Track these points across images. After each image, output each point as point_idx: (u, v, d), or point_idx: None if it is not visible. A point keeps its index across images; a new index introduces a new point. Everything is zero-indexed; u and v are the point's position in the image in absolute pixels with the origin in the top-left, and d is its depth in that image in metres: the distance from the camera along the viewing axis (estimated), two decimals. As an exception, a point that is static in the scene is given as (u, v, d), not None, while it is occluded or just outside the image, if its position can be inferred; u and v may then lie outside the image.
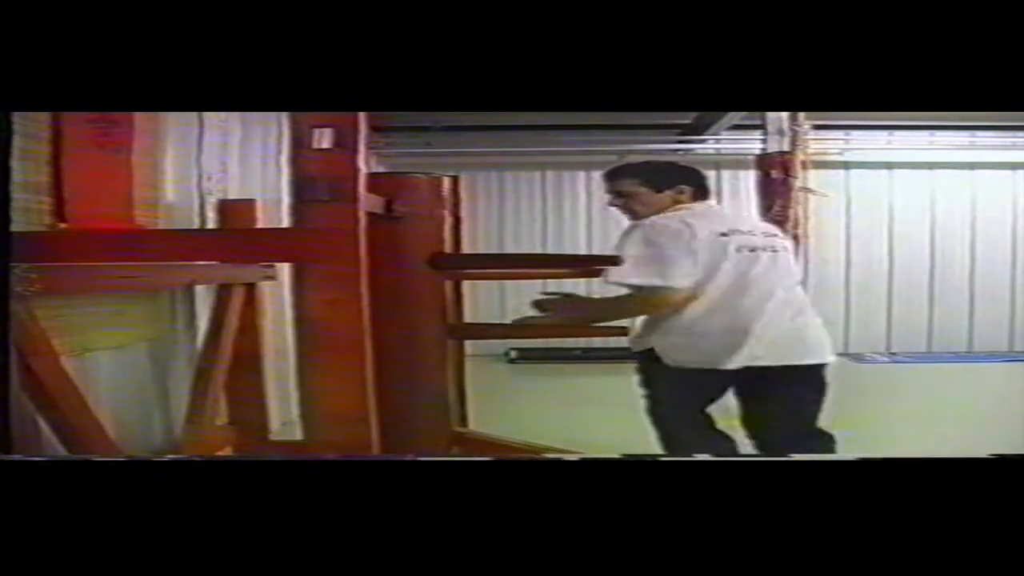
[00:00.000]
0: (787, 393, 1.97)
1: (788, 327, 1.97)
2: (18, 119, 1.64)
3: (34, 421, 1.46)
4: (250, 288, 2.50)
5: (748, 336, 1.92)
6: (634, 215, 2.11)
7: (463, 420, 2.59)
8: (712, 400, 2.06)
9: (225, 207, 2.65)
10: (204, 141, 2.79)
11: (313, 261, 1.35)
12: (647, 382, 2.11)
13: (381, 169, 5.47)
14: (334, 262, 1.33)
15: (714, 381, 1.99)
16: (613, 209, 2.21)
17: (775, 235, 2.14)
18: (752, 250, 1.99)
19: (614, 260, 2.08)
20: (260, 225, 2.54)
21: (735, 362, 1.92)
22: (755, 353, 1.92)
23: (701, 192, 2.15)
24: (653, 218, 2.04)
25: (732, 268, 1.95)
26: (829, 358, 2.02)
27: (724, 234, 1.98)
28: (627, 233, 2.01)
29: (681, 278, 1.92)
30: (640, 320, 2.09)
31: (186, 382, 2.38)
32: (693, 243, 1.93)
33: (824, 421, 2.00)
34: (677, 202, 2.09)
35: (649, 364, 2.06)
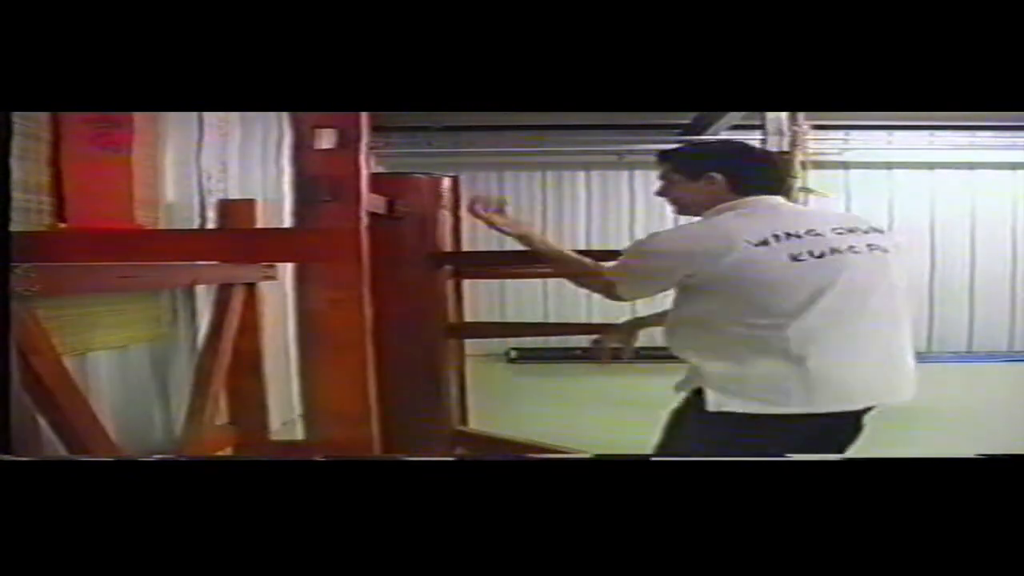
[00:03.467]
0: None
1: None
2: (18, 119, 1.65)
3: (34, 421, 1.46)
4: (250, 288, 2.50)
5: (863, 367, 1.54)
6: (680, 208, 1.76)
7: (463, 419, 2.59)
8: None
9: (225, 207, 2.65)
10: (204, 141, 2.79)
11: (315, 261, 1.36)
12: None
13: (381, 169, 5.48)
14: (336, 262, 1.34)
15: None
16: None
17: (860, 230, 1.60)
18: (825, 254, 1.53)
19: (614, 257, 2.08)
20: (260, 224, 2.54)
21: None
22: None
23: (744, 181, 1.64)
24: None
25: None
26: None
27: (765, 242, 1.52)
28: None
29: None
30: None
31: (186, 382, 2.38)
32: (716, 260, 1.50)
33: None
34: (713, 193, 1.65)
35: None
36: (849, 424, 1.59)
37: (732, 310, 1.51)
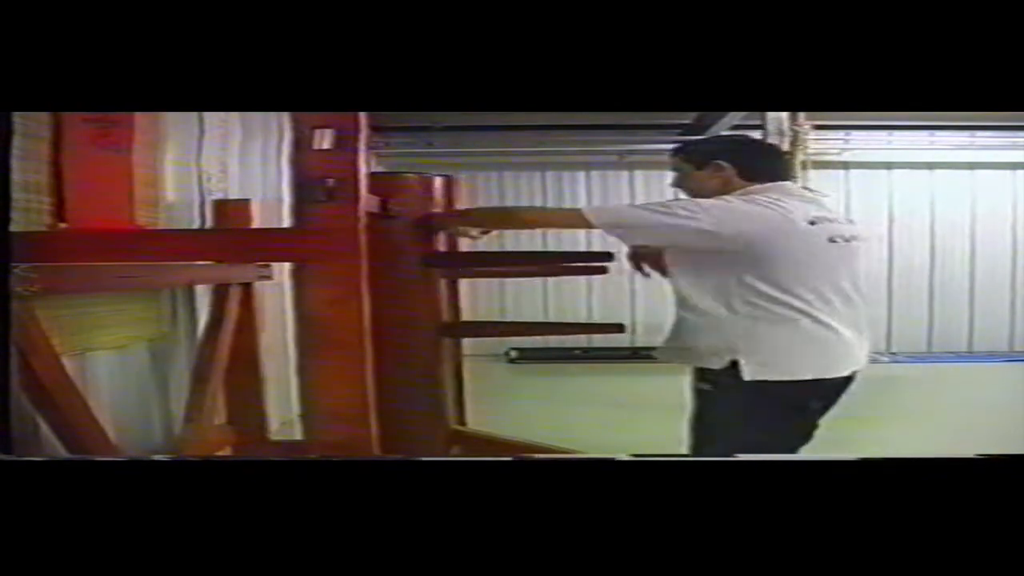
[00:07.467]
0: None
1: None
2: (18, 119, 1.65)
3: (34, 421, 1.46)
4: (247, 288, 2.50)
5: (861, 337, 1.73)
6: (690, 196, 1.79)
7: (461, 419, 2.59)
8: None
9: (220, 206, 2.64)
10: (204, 141, 2.79)
11: (314, 261, 1.36)
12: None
13: (381, 169, 5.48)
14: (335, 262, 1.34)
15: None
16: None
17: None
18: (848, 240, 1.71)
19: (608, 257, 2.10)
20: (255, 224, 2.53)
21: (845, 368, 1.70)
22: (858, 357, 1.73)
23: (752, 170, 1.74)
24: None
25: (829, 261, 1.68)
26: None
27: (812, 222, 1.66)
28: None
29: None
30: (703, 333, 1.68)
31: (185, 382, 2.38)
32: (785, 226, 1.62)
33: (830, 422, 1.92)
34: (723, 180, 1.74)
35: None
36: (839, 390, 1.75)
37: (784, 281, 1.63)
